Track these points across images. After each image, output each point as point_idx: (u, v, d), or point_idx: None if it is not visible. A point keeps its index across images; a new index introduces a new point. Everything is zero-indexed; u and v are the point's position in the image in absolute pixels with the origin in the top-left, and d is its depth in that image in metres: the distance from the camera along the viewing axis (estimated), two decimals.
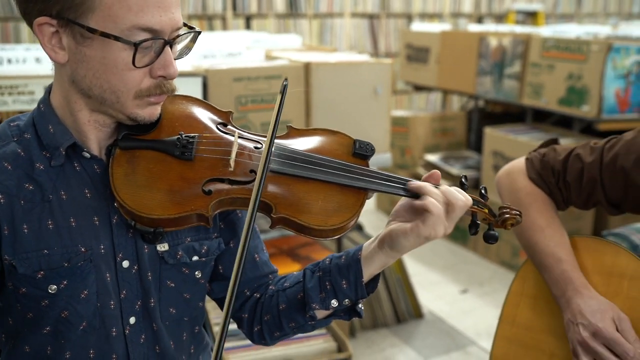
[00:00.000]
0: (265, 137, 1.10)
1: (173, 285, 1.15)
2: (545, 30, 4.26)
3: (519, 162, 1.50)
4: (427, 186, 1.07)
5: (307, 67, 2.53)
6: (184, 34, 1.04)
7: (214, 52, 2.62)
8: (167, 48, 1.00)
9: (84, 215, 1.06)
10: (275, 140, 1.10)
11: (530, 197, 1.45)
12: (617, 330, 1.27)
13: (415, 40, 4.79)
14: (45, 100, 1.08)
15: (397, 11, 6.58)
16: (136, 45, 0.97)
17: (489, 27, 5.22)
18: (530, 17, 7.21)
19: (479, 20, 7.09)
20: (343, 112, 2.67)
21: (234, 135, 1.10)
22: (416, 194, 1.08)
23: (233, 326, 2.43)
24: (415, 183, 1.08)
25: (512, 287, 1.50)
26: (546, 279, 1.39)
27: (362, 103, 2.71)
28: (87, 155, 1.07)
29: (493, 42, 4.01)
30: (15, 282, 1.04)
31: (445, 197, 1.05)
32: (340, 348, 2.20)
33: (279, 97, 0.86)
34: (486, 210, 1.15)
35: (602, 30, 4.25)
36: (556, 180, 1.43)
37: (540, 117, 4.07)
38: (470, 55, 4.18)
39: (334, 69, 2.61)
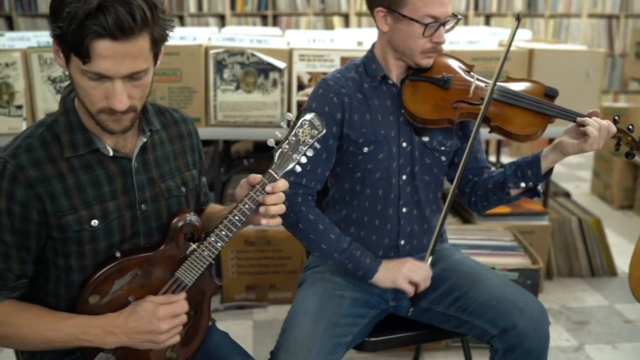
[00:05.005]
0: (494, 83, 1.78)
1: (429, 162, 1.85)
2: None
3: None
4: (588, 120, 1.69)
5: (530, 52, 3.22)
6: (451, 19, 1.72)
7: (458, 40, 3.41)
8: (441, 27, 1.71)
9: (385, 114, 1.80)
10: (497, 83, 1.84)
11: None
12: None
13: None
14: (371, 51, 1.88)
15: (638, 12, 6.65)
16: (426, 25, 1.68)
17: None
18: None
19: None
20: (560, 90, 3.29)
21: (473, 78, 1.86)
22: (581, 124, 1.71)
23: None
24: (582, 118, 1.71)
25: None
26: None
27: (576, 85, 3.27)
28: (391, 82, 1.81)
29: None
30: (351, 145, 1.78)
31: (599, 126, 1.68)
32: (534, 263, 2.88)
33: (513, 26, 1.58)
34: (629, 138, 1.76)
35: None
36: None
37: None
38: None
39: (553, 55, 3.24)
